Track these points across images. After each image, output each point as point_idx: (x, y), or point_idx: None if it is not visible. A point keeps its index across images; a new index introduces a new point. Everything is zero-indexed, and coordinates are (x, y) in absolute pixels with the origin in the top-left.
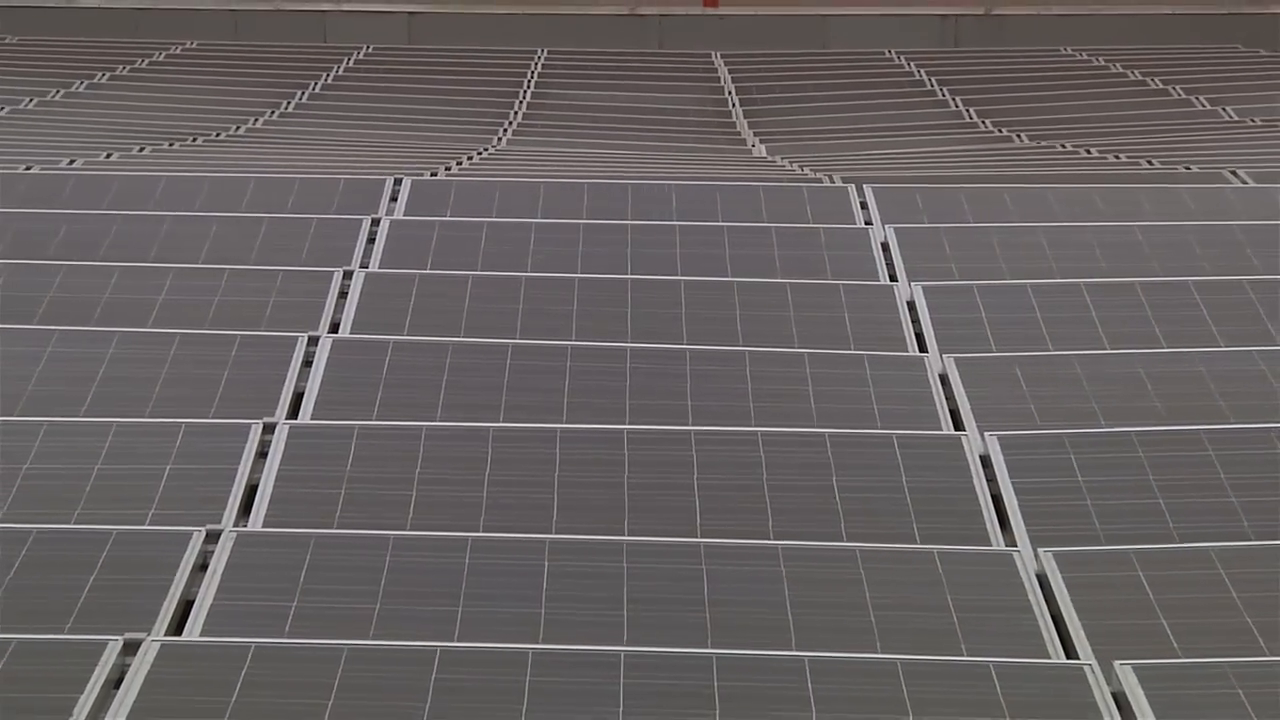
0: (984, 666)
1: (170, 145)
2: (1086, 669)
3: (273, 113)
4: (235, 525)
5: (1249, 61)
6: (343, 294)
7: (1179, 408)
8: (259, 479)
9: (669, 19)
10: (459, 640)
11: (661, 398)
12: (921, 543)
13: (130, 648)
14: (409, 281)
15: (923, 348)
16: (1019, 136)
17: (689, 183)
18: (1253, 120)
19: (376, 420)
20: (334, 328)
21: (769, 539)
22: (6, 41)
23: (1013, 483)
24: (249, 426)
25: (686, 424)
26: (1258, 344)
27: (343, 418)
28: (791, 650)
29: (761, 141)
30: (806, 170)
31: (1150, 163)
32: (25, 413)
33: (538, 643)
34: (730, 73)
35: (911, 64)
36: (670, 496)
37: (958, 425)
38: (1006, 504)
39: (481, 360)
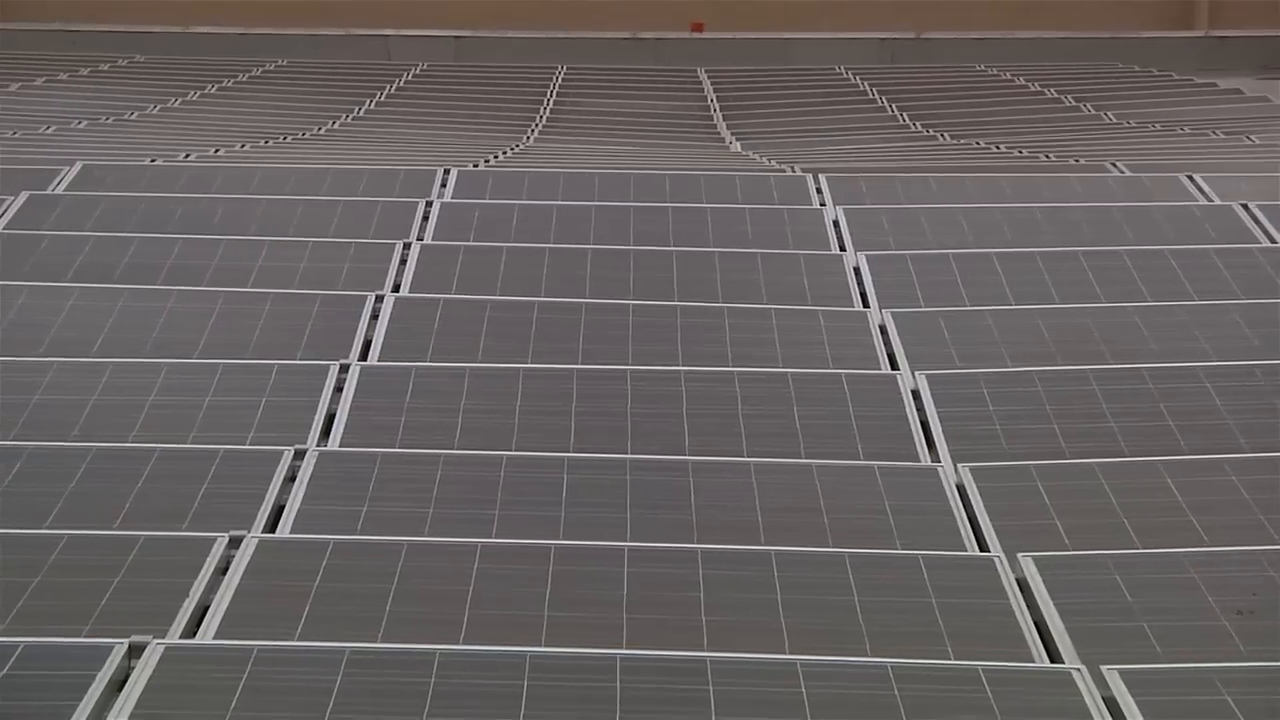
0: (914, 557)
1: (265, 143)
2: (995, 559)
3: (346, 117)
4: (317, 445)
5: (1126, 76)
6: (403, 261)
7: (1070, 351)
8: (336, 408)
9: (663, 41)
10: (495, 537)
11: (657, 344)
12: (864, 460)
13: (234, 543)
14: (456, 251)
15: (865, 304)
16: (943, 136)
17: (679, 172)
18: (1128, 123)
19: (430, 362)
20: (396, 288)
21: (743, 457)
22: (136, 60)
23: (937, 411)
24: (328, 367)
25: (677, 366)
26: (1132, 301)
27: (403, 360)
28: (761, 545)
29: (737, 140)
30: (773, 163)
31: (1047, 156)
32: (150, 355)
33: (558, 539)
34: (712, 84)
35: (857, 77)
36: (664, 423)
37: (893, 365)
38: (932, 428)
39: (514, 314)
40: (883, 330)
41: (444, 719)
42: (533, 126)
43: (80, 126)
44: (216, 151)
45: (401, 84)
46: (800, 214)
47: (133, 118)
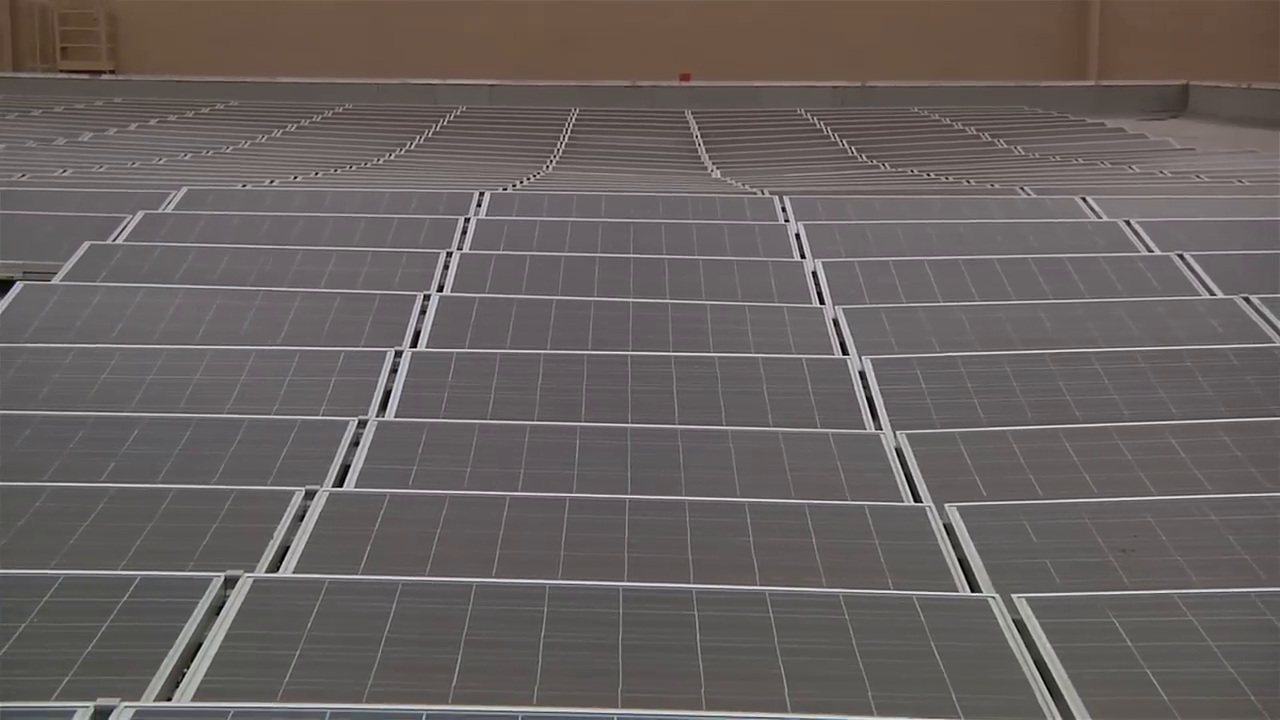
0: (860, 507)
1: (334, 171)
2: (926, 509)
3: (401, 150)
4: (377, 416)
5: (1032, 117)
6: (446, 267)
7: (987, 340)
8: (392, 386)
9: (658, 88)
10: (522, 490)
11: (652, 334)
12: (820, 428)
13: (310, 495)
14: (489, 259)
15: (821, 301)
16: (883, 165)
17: (670, 195)
18: (1034, 155)
19: (468, 349)
20: (441, 289)
21: (722, 426)
22: (230, 104)
23: (879, 389)
24: (385, 352)
25: (669, 352)
26: (1037, 299)
27: (446, 347)
28: (737, 497)
29: (717, 168)
30: (747, 186)
31: (968, 181)
32: (241, 344)
33: (572, 492)
34: (697, 123)
35: (814, 118)
36: (658, 398)
37: (844, 351)
38: (875, 402)
39: (535, 310)
40: (835, 323)
41: (479, 637)
42: (551, 157)
43: (185, 158)
44: (295, 178)
45: (445, 123)
46: (769, 228)
47: (228, 151)
